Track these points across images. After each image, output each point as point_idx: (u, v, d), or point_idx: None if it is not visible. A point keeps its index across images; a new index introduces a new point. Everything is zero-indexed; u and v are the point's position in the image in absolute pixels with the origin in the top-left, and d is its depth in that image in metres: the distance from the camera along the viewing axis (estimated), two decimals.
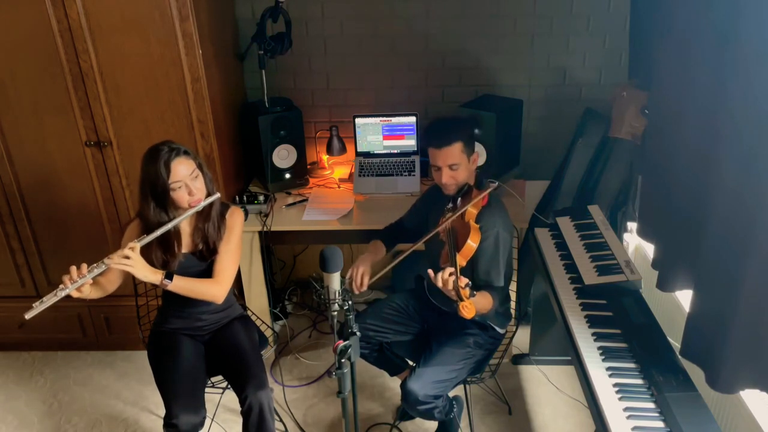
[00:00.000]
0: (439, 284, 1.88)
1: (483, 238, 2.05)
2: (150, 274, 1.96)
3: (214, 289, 2.12)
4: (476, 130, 2.68)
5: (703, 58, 1.66)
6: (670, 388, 1.71)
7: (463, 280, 1.84)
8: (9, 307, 2.98)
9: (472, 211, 2.09)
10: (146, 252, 2.01)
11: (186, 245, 2.15)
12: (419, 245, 2.08)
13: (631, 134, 2.45)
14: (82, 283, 1.85)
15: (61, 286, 1.84)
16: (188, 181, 2.00)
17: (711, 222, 1.57)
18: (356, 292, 2.19)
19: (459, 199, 2.16)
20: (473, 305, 1.82)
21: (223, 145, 2.74)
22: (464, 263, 1.99)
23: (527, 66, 2.98)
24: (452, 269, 1.86)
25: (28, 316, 1.81)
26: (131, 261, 1.90)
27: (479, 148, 2.69)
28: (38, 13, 2.37)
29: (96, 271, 1.88)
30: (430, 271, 1.92)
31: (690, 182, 1.76)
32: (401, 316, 2.39)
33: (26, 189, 2.73)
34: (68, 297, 1.85)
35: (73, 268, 1.86)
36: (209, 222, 2.12)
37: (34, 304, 1.82)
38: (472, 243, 2.00)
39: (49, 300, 1.82)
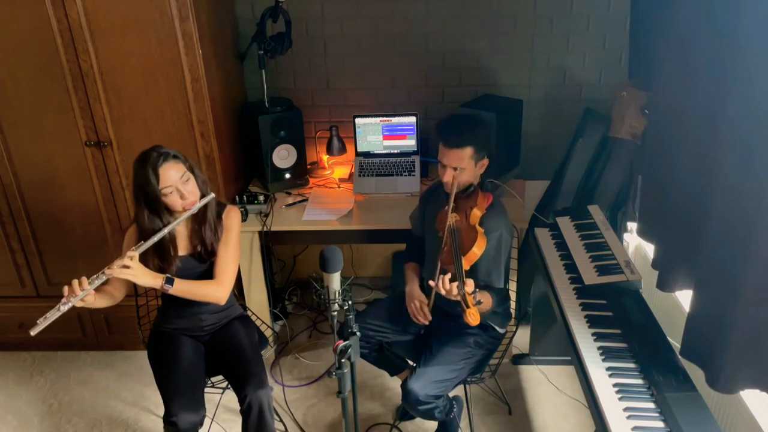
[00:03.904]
0: (442, 291, 1.88)
1: (486, 240, 2.05)
2: (151, 280, 1.96)
3: (216, 291, 2.11)
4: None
5: (704, 58, 1.66)
6: (670, 388, 1.71)
7: (470, 286, 1.84)
8: (9, 307, 2.98)
9: (477, 213, 2.09)
10: (143, 259, 2.00)
11: (184, 248, 2.15)
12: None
13: (631, 134, 2.45)
14: (83, 296, 1.85)
15: (63, 300, 1.83)
16: (179, 185, 1.99)
17: (711, 222, 1.57)
18: (426, 323, 2.20)
19: (461, 198, 2.15)
20: (478, 312, 1.82)
21: (223, 145, 2.74)
22: (467, 267, 1.99)
23: (527, 66, 2.98)
24: (450, 275, 1.87)
25: (33, 332, 1.81)
26: (131, 270, 1.90)
27: None
28: (38, 13, 2.37)
29: (97, 282, 1.87)
30: (432, 282, 1.93)
31: (690, 182, 1.76)
32: (401, 316, 2.39)
33: (26, 189, 2.73)
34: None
35: (75, 282, 1.85)
36: (206, 224, 2.11)
37: (38, 321, 1.82)
38: (477, 251, 2.00)
39: (53, 315, 1.82)
